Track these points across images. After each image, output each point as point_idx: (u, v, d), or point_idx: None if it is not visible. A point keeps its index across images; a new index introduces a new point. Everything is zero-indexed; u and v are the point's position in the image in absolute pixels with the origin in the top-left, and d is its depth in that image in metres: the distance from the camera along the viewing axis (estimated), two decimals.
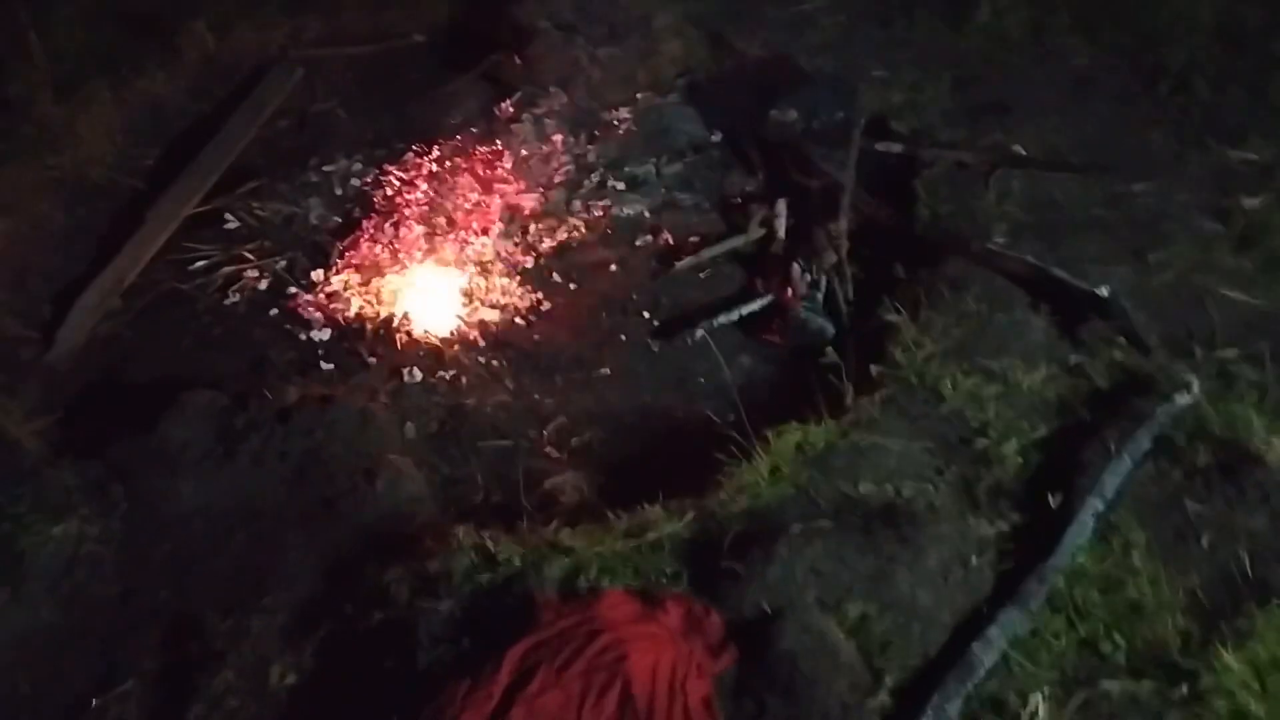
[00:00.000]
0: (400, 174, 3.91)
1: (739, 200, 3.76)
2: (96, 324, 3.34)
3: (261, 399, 2.81)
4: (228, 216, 3.75)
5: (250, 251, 3.58)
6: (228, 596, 2.38)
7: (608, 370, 3.17)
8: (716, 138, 4.04)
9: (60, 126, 3.82)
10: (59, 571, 2.44)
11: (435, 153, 3.98)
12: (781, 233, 3.53)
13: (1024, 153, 3.59)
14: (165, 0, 4.39)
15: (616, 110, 4.14)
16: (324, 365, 3.16)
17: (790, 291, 3.27)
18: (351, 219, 3.75)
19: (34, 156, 3.73)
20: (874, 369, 2.80)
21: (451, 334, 3.26)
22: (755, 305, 3.29)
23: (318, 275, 3.48)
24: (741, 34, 4.45)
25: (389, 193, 3.83)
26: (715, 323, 3.24)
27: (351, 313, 3.34)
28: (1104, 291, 2.92)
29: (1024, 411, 2.67)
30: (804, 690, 1.97)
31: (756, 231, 3.57)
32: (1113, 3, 4.41)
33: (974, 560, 2.31)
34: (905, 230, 3.37)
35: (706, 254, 3.52)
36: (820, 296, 3.27)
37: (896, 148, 3.73)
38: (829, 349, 2.88)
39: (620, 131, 4.07)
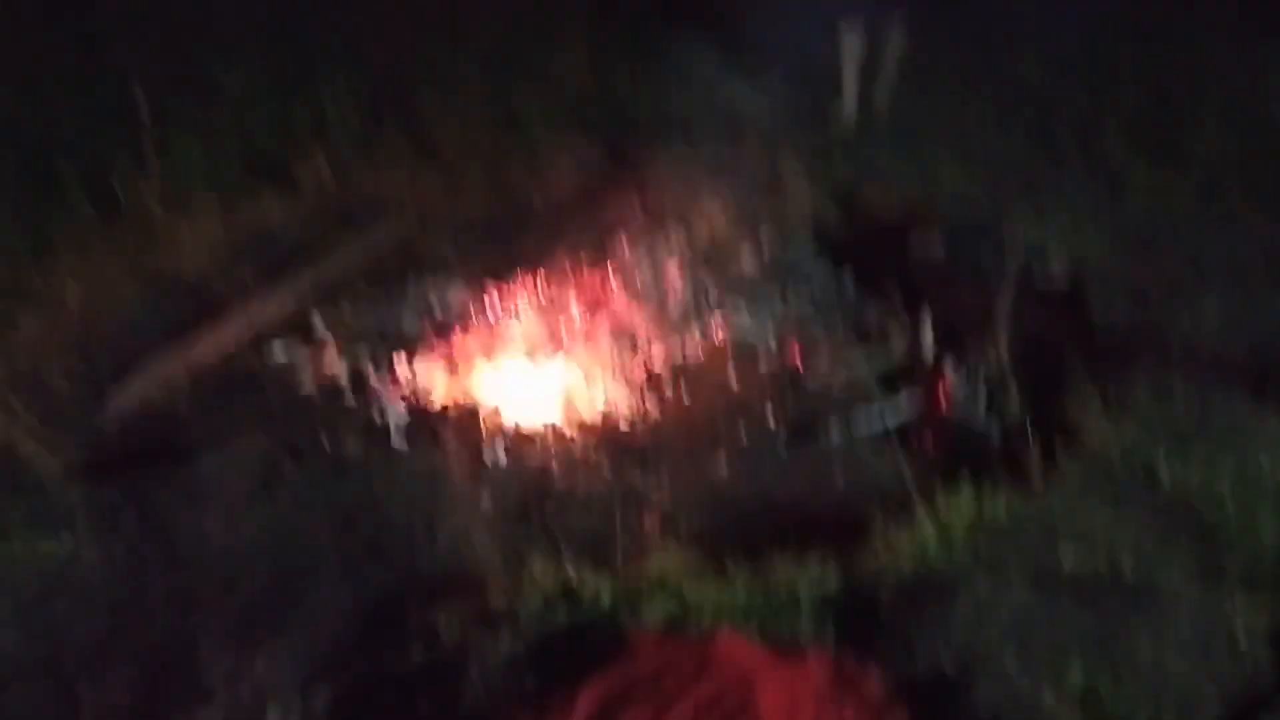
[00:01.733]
0: (503, 291, 3.63)
1: (875, 329, 3.33)
2: (155, 394, 2.99)
3: (318, 450, 2.37)
4: (317, 321, 3.47)
5: (335, 347, 3.26)
6: (234, 634, 1.83)
7: (725, 470, 2.65)
8: (849, 280, 3.69)
9: (163, 230, 3.70)
10: (36, 594, 1.94)
11: (542, 276, 3.70)
12: (927, 348, 3.07)
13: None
14: (290, 138, 4.40)
15: (739, 249, 3.85)
16: (396, 443, 2.72)
17: (944, 400, 2.75)
18: (447, 329, 3.43)
19: (129, 251, 3.58)
20: (1063, 450, 2.24)
21: (543, 425, 2.81)
22: (902, 415, 2.78)
23: (401, 367, 3.12)
24: (875, 194, 4.22)
25: (489, 307, 3.53)
26: (855, 430, 2.72)
27: (434, 400, 2.93)
28: None
29: (1270, 496, 2.06)
30: None
31: (899, 348, 3.12)
32: None
33: (1243, 641, 1.64)
34: (1081, 336, 2.88)
35: (841, 369, 3.06)
36: (980, 404, 2.74)
37: (1059, 275, 3.30)
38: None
39: (743, 267, 3.75)
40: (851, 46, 5.16)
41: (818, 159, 4.34)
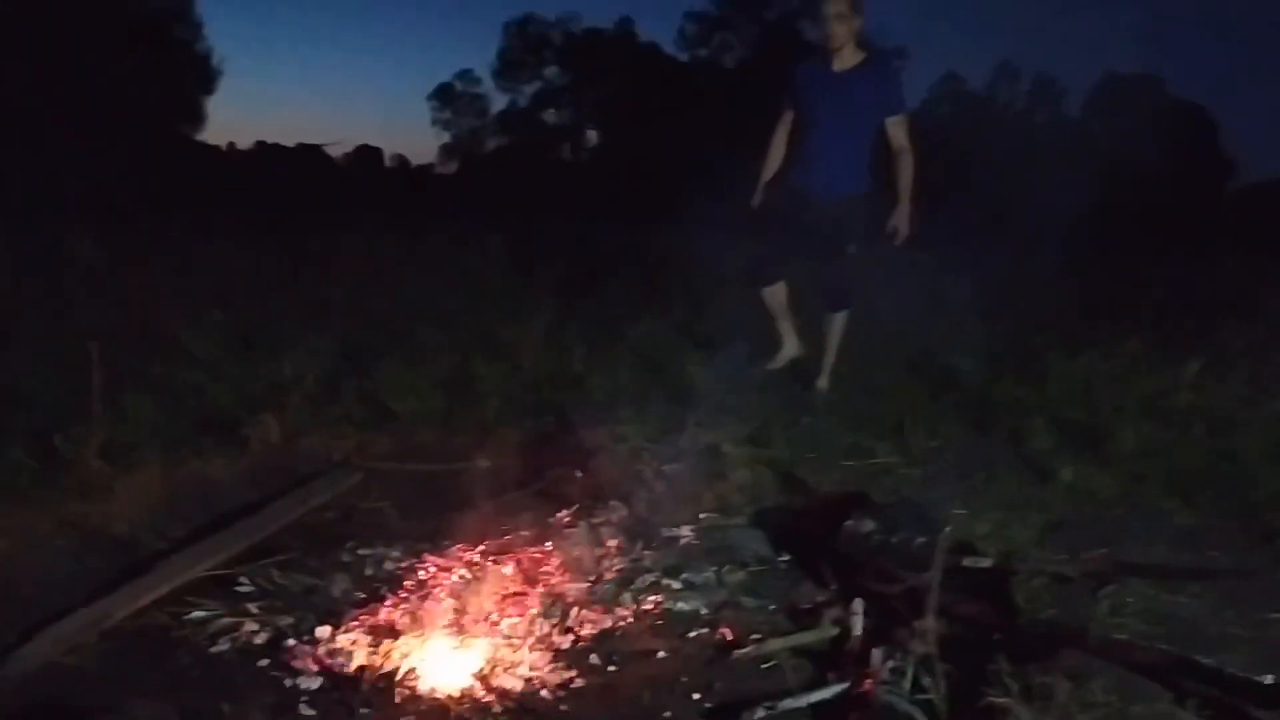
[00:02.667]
0: (439, 562, 3.61)
1: (809, 606, 3.33)
2: (61, 654, 2.88)
3: (218, 715, 2.28)
4: (243, 581, 3.42)
5: (256, 609, 3.19)
6: None
7: None
8: (785, 558, 3.72)
9: (99, 481, 3.70)
10: None
11: (480, 549, 3.70)
12: (858, 630, 3.05)
13: (1139, 562, 3.18)
14: (244, 402, 4.50)
15: (678, 526, 3.89)
16: (304, 711, 2.62)
17: (870, 681, 2.72)
18: (377, 595, 3.38)
19: (62, 501, 3.55)
20: None
21: (463, 695, 2.73)
22: (827, 693, 2.73)
23: (322, 632, 3.04)
24: (814, 476, 4.34)
25: (423, 576, 3.51)
26: (779, 706, 2.66)
27: (351, 666, 2.85)
28: (1269, 679, 2.37)
29: None
30: None
31: (829, 629, 3.10)
32: (1208, 477, 4.24)
33: None
34: (1005, 626, 2.89)
35: (771, 645, 3.03)
36: (906, 686, 2.71)
37: (986, 562, 3.35)
38: None
39: (681, 543, 3.79)
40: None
41: (759, 438, 4.49)
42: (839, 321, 5.69)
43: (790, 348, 5.84)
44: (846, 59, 5.26)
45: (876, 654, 2.81)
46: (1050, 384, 5.33)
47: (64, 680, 2.80)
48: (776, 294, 5.75)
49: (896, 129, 5.28)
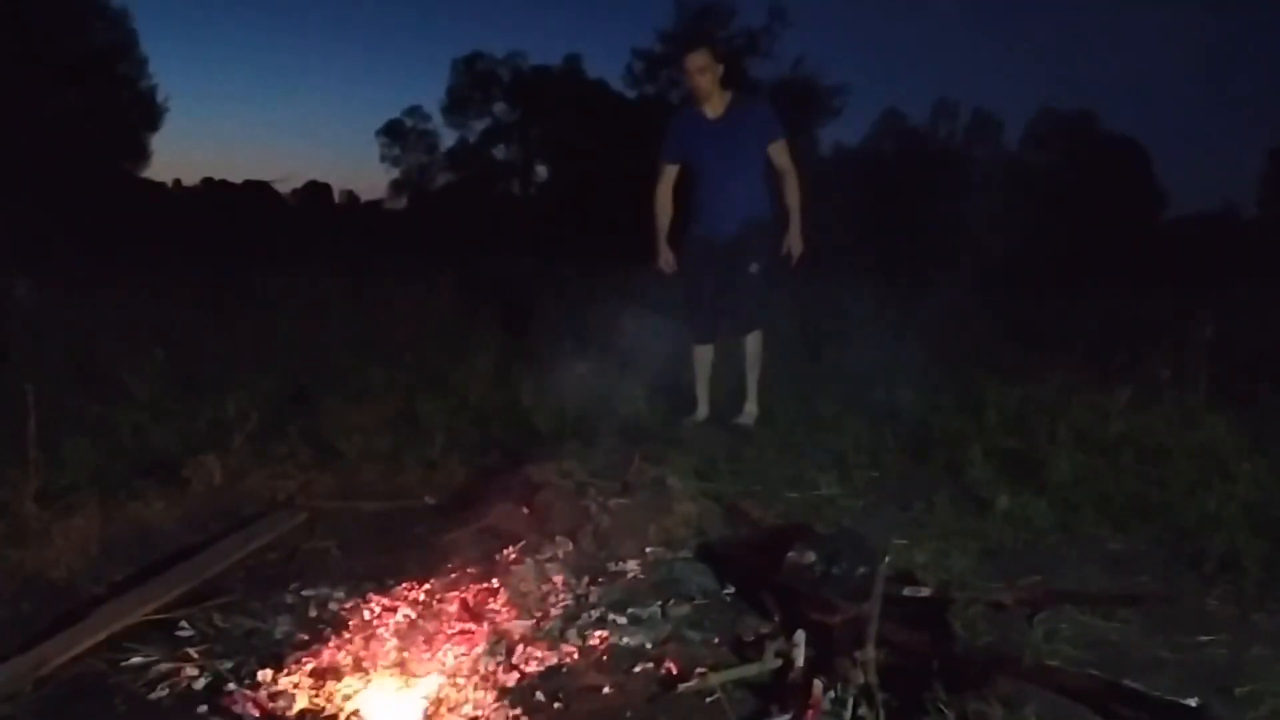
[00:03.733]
0: (384, 601, 3.59)
1: (753, 638, 3.36)
2: None
3: None
4: (184, 625, 3.37)
5: (196, 653, 3.15)
6: None
7: None
8: (729, 590, 3.76)
9: (33, 526, 3.64)
10: None
11: (425, 588, 3.69)
12: (800, 661, 3.09)
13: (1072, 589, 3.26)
14: (185, 442, 4.46)
15: (624, 561, 3.92)
16: None
17: (811, 712, 2.76)
18: (321, 637, 3.35)
19: None
20: None
21: None
22: None
23: (264, 676, 3.01)
24: (758, 508, 4.39)
25: (367, 616, 3.49)
26: None
27: (292, 709, 2.82)
28: (1193, 702, 2.45)
29: None
30: None
31: (772, 661, 3.13)
32: (1138, 503, 4.36)
33: None
34: (942, 655, 2.94)
35: (715, 679, 3.05)
36: (847, 717, 2.75)
37: (925, 591, 3.42)
38: None
39: (627, 578, 3.81)
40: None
41: (704, 472, 4.54)
42: (753, 344, 5.85)
43: (701, 412, 5.95)
44: (718, 105, 5.57)
45: (818, 685, 2.85)
46: (988, 414, 5.45)
47: None
48: (704, 355, 5.91)
49: (779, 153, 5.56)
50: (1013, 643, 3.03)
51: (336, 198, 46.71)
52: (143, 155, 35.20)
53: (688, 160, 5.65)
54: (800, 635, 3.23)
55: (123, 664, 3.10)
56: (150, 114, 35.02)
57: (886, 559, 3.45)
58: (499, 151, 50.31)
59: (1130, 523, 4.20)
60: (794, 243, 5.55)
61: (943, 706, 2.51)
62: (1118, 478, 4.53)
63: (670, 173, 5.71)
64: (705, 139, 5.53)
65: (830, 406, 6.07)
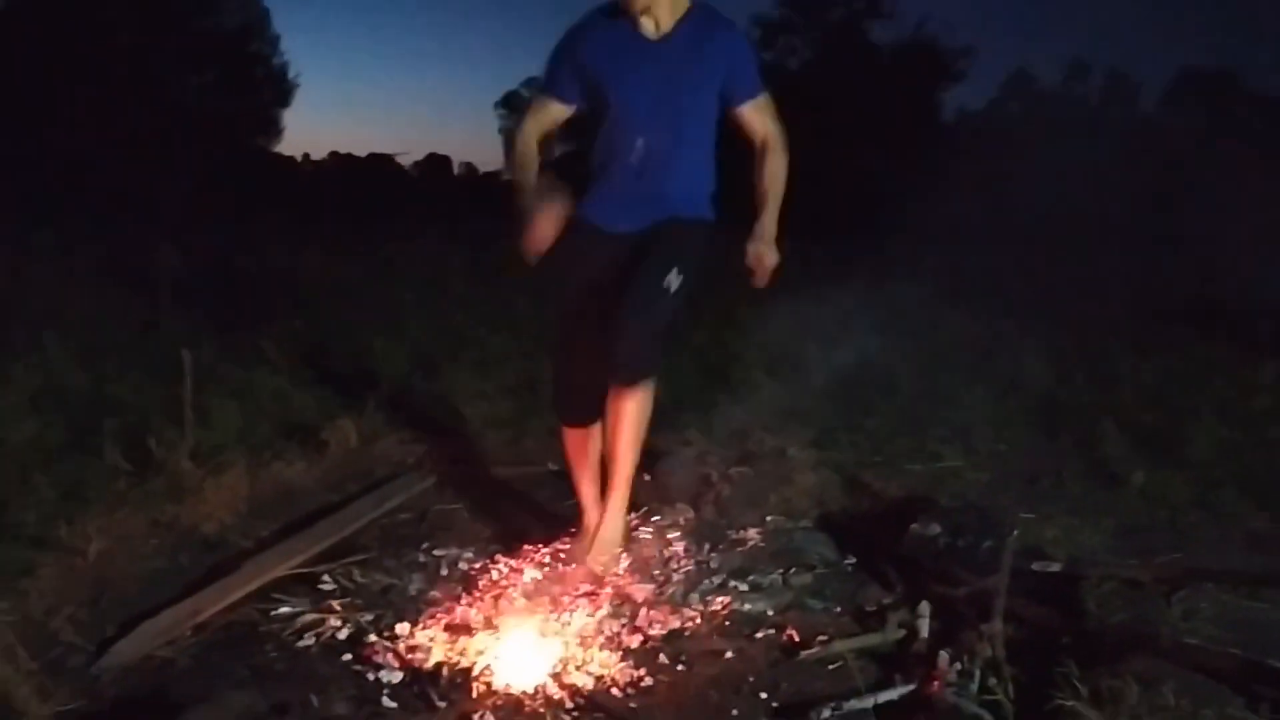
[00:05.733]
0: (511, 563, 3.71)
1: (875, 608, 3.36)
2: (156, 647, 3.03)
3: (307, 708, 2.40)
4: (325, 579, 3.55)
5: (339, 606, 3.32)
6: None
7: None
8: (850, 561, 3.75)
9: (189, 483, 3.87)
10: None
11: (550, 550, 3.79)
12: (925, 632, 3.08)
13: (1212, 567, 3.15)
14: (321, 410, 4.66)
15: (745, 529, 3.95)
16: (386, 703, 2.73)
17: (937, 682, 2.75)
18: (452, 594, 3.49)
19: (154, 503, 3.74)
20: None
21: (536, 690, 2.81)
22: (894, 693, 2.76)
23: (402, 629, 3.16)
24: (879, 479, 4.36)
25: (496, 576, 3.61)
26: (845, 707, 2.70)
27: (429, 661, 2.95)
28: None
29: None
30: None
31: (895, 632, 3.13)
32: None
33: None
34: (1074, 630, 2.89)
35: (838, 647, 3.07)
36: (974, 688, 2.73)
37: (1055, 567, 3.35)
38: None
39: (748, 546, 3.83)
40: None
41: (824, 442, 4.52)
42: (631, 408, 3.43)
43: (591, 519, 3.82)
44: (664, 16, 3.19)
45: (944, 656, 2.84)
46: (1122, 387, 5.27)
47: (159, 671, 2.95)
48: (579, 443, 3.83)
49: (756, 115, 3.30)
50: (1149, 621, 2.96)
51: (455, 169, 47.63)
52: (275, 131, 36.48)
53: (596, 100, 3.31)
54: (926, 606, 3.21)
55: (272, 613, 3.28)
56: (282, 90, 36.25)
57: (1014, 533, 3.39)
58: None
59: (1274, 501, 4.02)
60: (765, 250, 3.21)
61: (1076, 682, 2.46)
62: (1263, 454, 4.34)
63: (550, 112, 3.42)
64: (633, 71, 3.20)
65: (953, 378, 5.96)
